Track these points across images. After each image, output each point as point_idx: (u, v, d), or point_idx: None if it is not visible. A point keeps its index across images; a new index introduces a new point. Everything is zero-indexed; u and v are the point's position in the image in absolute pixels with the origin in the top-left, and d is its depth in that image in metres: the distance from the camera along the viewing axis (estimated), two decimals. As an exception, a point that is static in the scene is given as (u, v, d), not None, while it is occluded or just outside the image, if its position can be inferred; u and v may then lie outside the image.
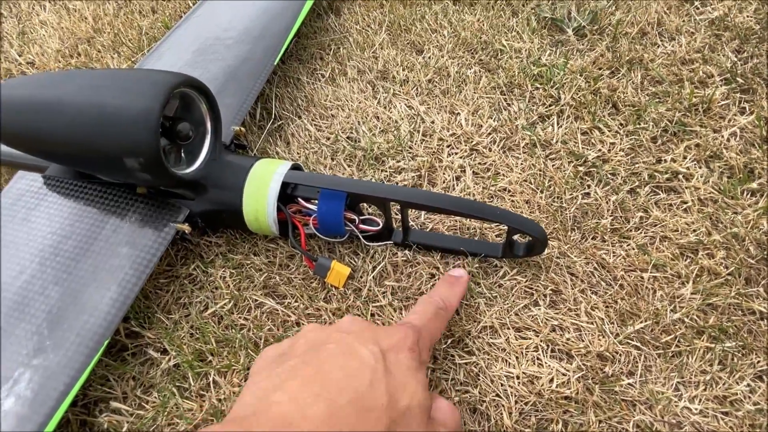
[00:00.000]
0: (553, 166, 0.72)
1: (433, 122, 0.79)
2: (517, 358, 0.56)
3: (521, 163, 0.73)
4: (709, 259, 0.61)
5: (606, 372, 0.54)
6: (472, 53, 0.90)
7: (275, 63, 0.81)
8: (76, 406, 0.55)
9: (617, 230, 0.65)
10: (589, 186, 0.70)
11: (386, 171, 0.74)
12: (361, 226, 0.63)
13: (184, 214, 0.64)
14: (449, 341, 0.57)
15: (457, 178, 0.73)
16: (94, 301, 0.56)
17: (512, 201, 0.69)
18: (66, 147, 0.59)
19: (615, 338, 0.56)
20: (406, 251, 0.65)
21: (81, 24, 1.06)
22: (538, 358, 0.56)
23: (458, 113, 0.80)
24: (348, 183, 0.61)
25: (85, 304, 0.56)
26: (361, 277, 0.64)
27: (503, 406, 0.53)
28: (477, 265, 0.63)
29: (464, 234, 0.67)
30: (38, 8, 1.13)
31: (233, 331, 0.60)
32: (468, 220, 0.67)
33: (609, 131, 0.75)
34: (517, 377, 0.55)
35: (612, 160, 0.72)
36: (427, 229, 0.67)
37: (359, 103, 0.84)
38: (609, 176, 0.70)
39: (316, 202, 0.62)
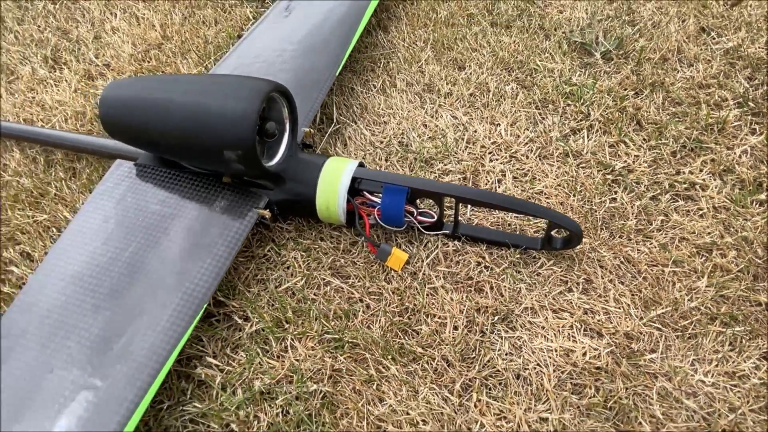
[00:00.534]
0: (583, 173, 0.82)
1: (475, 131, 0.89)
2: (554, 334, 0.65)
3: (555, 170, 0.83)
4: (722, 258, 0.70)
5: (632, 348, 0.63)
6: (509, 71, 1.00)
7: (336, 74, 0.91)
8: (178, 363, 0.64)
9: (641, 231, 0.74)
10: (615, 192, 0.79)
11: (435, 173, 0.84)
12: (419, 217, 0.73)
13: (264, 201, 0.73)
14: (496, 318, 0.66)
15: (499, 181, 0.82)
16: (193, 271, 0.66)
17: (548, 203, 0.79)
18: (172, 140, 0.69)
19: (639, 321, 0.65)
20: (456, 242, 0.74)
21: (150, 31, 1.17)
22: (572, 335, 0.65)
23: (498, 124, 0.90)
24: (409, 179, 0.71)
25: (186, 273, 0.66)
26: (417, 262, 0.73)
27: (543, 373, 0.62)
28: (518, 255, 0.72)
29: (505, 229, 0.76)
30: (110, 16, 1.23)
31: (306, 304, 0.70)
32: (509, 216, 0.76)
33: (633, 145, 0.85)
34: (555, 350, 0.64)
35: (636, 170, 0.81)
36: (473, 224, 0.76)
37: (408, 112, 0.94)
38: (634, 184, 0.80)
39: (380, 195, 0.71)
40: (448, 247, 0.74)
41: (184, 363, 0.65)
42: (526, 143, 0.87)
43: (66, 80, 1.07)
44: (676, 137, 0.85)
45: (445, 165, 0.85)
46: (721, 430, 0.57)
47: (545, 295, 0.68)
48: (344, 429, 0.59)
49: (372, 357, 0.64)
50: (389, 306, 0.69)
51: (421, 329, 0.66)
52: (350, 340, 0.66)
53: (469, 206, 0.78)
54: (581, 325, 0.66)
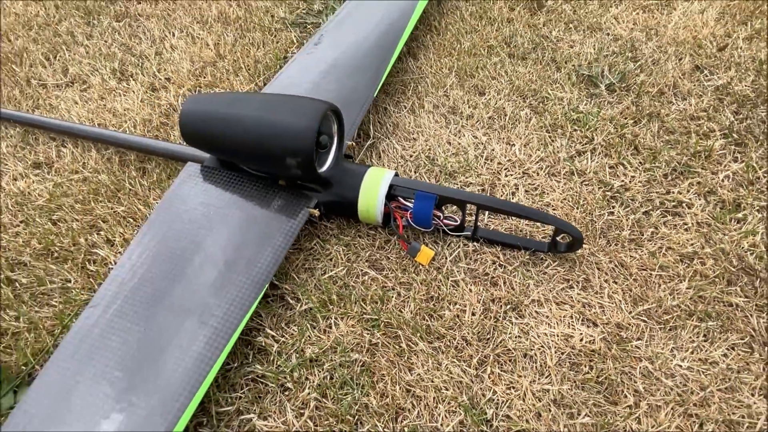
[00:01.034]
0: (586, 190, 0.95)
1: (493, 150, 1.03)
2: (557, 322, 0.77)
3: (562, 186, 0.96)
4: (701, 265, 0.83)
5: (621, 336, 0.76)
6: (524, 98, 1.13)
7: (374, 95, 1.05)
8: (243, 334, 0.77)
9: (634, 240, 0.87)
10: (613, 207, 0.92)
11: (458, 184, 0.97)
12: (444, 221, 0.86)
13: (314, 202, 0.87)
14: (508, 307, 0.79)
15: (512, 194, 0.96)
16: (259, 258, 0.79)
17: (555, 214, 0.92)
18: (244, 148, 0.82)
19: (629, 314, 0.78)
20: (475, 243, 0.87)
21: (206, 50, 1.32)
22: (572, 324, 0.77)
23: (513, 144, 1.03)
24: (438, 188, 0.84)
25: (253, 259, 0.79)
26: (441, 259, 0.86)
27: (546, 353, 0.74)
28: (528, 256, 0.85)
29: (517, 234, 0.89)
30: (168, 34, 1.38)
31: (347, 290, 0.83)
32: (520, 223, 0.89)
33: (630, 167, 0.98)
34: (557, 335, 0.76)
35: (632, 189, 0.94)
36: (490, 228, 0.89)
37: (435, 130, 1.07)
38: (629, 201, 0.92)
39: (412, 201, 0.84)
40: (468, 247, 0.87)
41: (247, 333, 0.78)
42: (537, 162, 1.00)
43: (133, 91, 1.22)
44: (668, 161, 0.98)
45: (466, 178, 0.98)
46: (691, 404, 0.69)
47: (550, 290, 0.81)
48: (380, 390, 0.72)
49: (403, 334, 0.77)
50: (418, 294, 0.81)
51: (445, 314, 0.79)
52: (385, 320, 0.78)
53: (486, 213, 0.91)
54: (579, 316, 0.78)
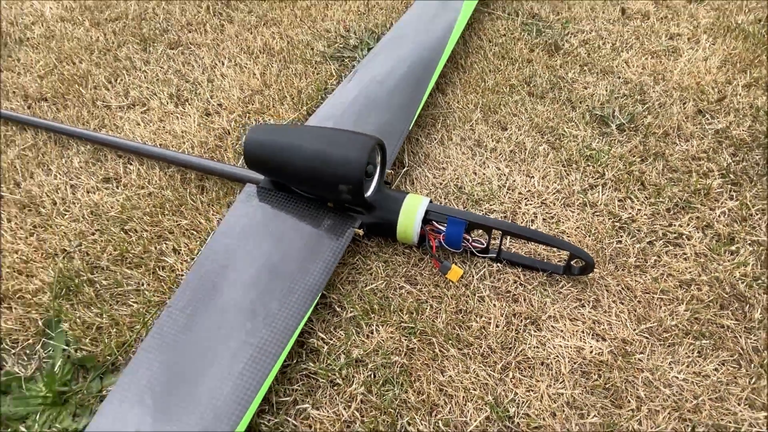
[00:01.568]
0: (597, 220, 1.07)
1: (514, 181, 1.15)
2: (570, 336, 0.89)
3: (575, 216, 1.08)
4: (698, 291, 0.94)
5: (626, 350, 0.87)
6: (542, 134, 1.26)
7: (410, 128, 1.18)
8: (299, 336, 0.89)
9: (639, 266, 0.99)
10: (621, 236, 1.04)
11: (483, 211, 1.10)
12: (472, 243, 0.98)
13: (359, 222, 0.99)
14: (527, 321, 0.91)
15: (531, 221, 1.08)
16: (309, 270, 0.91)
17: (569, 240, 1.04)
18: (301, 174, 0.95)
19: (633, 331, 0.89)
20: (498, 264, 0.99)
21: (253, 79, 1.46)
22: (583, 338, 0.89)
23: (532, 176, 1.16)
24: (468, 214, 0.96)
25: (304, 270, 0.91)
26: (469, 277, 0.98)
27: (561, 362, 0.86)
28: (545, 277, 0.97)
29: (536, 257, 1.01)
30: (218, 63, 1.53)
31: (387, 301, 0.95)
32: (539, 248, 1.01)
33: (637, 201, 1.10)
34: (570, 347, 0.88)
35: (638, 220, 1.06)
36: (512, 251, 1.01)
37: (462, 161, 1.20)
38: (635, 231, 1.04)
39: (445, 225, 0.97)
40: (493, 267, 0.99)
41: (300, 335, 0.90)
42: (554, 193, 1.12)
43: (189, 115, 1.35)
44: (671, 197, 1.10)
45: (490, 205, 1.10)
46: (686, 409, 0.80)
47: (564, 308, 0.93)
48: (417, 388, 0.83)
49: (436, 341, 0.89)
50: (448, 307, 0.93)
51: (472, 325, 0.91)
52: (420, 329, 0.90)
53: (509, 238, 1.03)
54: (590, 331, 0.90)
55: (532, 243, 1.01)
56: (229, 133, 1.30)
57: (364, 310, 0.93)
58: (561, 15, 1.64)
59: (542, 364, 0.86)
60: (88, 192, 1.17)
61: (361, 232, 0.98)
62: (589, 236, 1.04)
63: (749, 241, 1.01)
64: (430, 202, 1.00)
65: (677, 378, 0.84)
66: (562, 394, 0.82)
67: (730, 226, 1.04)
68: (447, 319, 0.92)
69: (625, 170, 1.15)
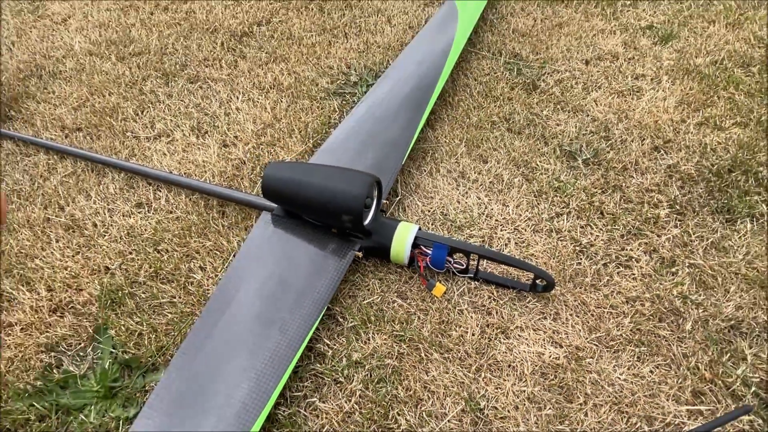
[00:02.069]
0: (561, 244, 1.26)
1: (492, 209, 1.34)
2: (533, 343, 1.07)
3: (543, 241, 1.26)
4: (641, 306, 1.13)
5: (579, 355, 1.05)
6: (518, 167, 1.45)
7: (403, 162, 1.37)
8: (310, 341, 1.07)
9: (594, 285, 1.17)
10: (581, 259, 1.22)
11: (464, 236, 1.28)
12: (454, 265, 1.16)
13: (358, 246, 1.18)
14: (498, 330, 1.09)
15: (505, 245, 1.26)
16: (317, 286, 1.09)
17: (536, 262, 1.22)
18: (311, 205, 1.13)
19: (585, 339, 1.08)
20: (476, 282, 1.17)
21: (264, 113, 1.64)
22: (544, 345, 1.07)
23: (508, 205, 1.35)
24: (450, 240, 1.15)
25: (313, 286, 1.09)
26: (450, 293, 1.16)
27: (524, 365, 1.04)
28: (515, 294, 1.15)
29: (508, 276, 1.19)
30: (234, 98, 1.71)
31: (381, 313, 1.13)
32: (510, 269, 1.20)
33: (596, 228, 1.29)
34: (533, 352, 1.06)
35: (596, 245, 1.25)
36: (487, 271, 1.20)
37: (447, 191, 1.39)
38: (593, 254, 1.23)
39: (431, 248, 1.15)
40: (471, 285, 1.17)
41: (310, 341, 1.08)
42: (525, 221, 1.31)
43: (209, 146, 1.54)
44: (624, 225, 1.29)
45: (470, 231, 1.29)
46: (624, 404, 0.99)
47: (529, 320, 1.11)
48: (405, 386, 1.02)
49: (422, 347, 1.07)
50: (433, 318, 1.12)
51: (452, 334, 1.09)
52: (409, 336, 1.08)
53: (485, 261, 1.21)
54: (549, 339, 1.08)
55: (504, 265, 1.19)
56: (244, 163, 1.48)
57: (362, 320, 1.12)
58: (539, 55, 1.84)
59: (509, 366, 1.05)
60: (123, 216, 1.35)
61: (360, 254, 1.17)
62: (554, 259, 1.22)
63: (687, 264, 1.20)
64: (419, 229, 1.18)
65: (619, 378, 1.02)
66: (524, 391, 1.01)
67: (673, 251, 1.23)
68: (432, 329, 1.10)
69: (587, 201, 1.34)
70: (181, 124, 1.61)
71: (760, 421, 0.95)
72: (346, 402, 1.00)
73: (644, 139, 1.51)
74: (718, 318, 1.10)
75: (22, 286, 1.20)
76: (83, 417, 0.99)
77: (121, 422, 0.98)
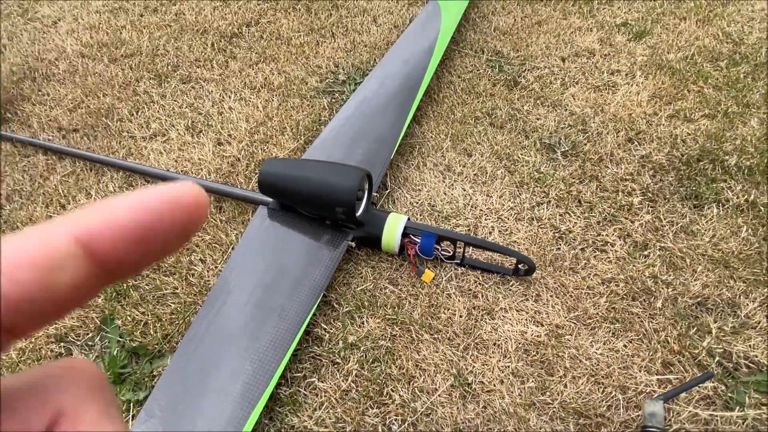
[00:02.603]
0: (541, 231, 1.34)
1: (476, 200, 1.41)
2: (516, 323, 1.15)
3: (524, 229, 1.34)
4: (616, 286, 1.22)
5: (558, 333, 1.14)
6: (500, 160, 1.53)
7: (391, 157, 1.44)
8: (308, 326, 1.13)
9: (572, 269, 1.26)
10: (560, 245, 1.31)
11: (451, 225, 1.36)
12: (441, 252, 1.24)
13: (351, 236, 1.24)
14: (484, 312, 1.17)
15: (489, 233, 1.34)
16: (313, 275, 1.16)
17: (518, 248, 1.30)
18: (305, 199, 1.20)
19: (564, 318, 1.16)
20: (462, 268, 1.25)
21: (256, 112, 1.70)
22: (526, 324, 1.15)
23: (491, 196, 1.42)
24: (437, 229, 1.22)
25: (309, 275, 1.16)
26: (439, 279, 1.24)
27: (509, 343, 1.12)
28: (499, 278, 1.23)
29: (493, 261, 1.27)
30: (226, 98, 1.77)
31: (374, 298, 1.20)
32: (495, 255, 1.27)
33: (574, 215, 1.37)
34: (516, 331, 1.14)
35: (574, 231, 1.33)
36: (473, 257, 1.28)
37: (434, 184, 1.46)
38: (571, 240, 1.31)
39: (420, 237, 1.23)
40: (458, 271, 1.25)
41: (308, 326, 1.15)
42: (508, 210, 1.39)
43: (204, 144, 1.59)
44: (600, 212, 1.37)
45: (456, 220, 1.36)
46: (600, 375, 1.07)
47: (513, 302, 1.19)
48: (399, 365, 1.09)
49: (413, 329, 1.14)
50: (423, 302, 1.19)
51: (441, 316, 1.17)
52: (401, 319, 1.16)
53: (471, 248, 1.29)
54: (531, 319, 1.16)
55: (488, 251, 1.27)
56: (239, 160, 1.54)
57: (356, 305, 1.19)
58: (520, 53, 1.92)
59: (494, 344, 1.12)
60: (123, 213, 1.40)
61: (353, 244, 1.24)
62: (535, 245, 1.30)
63: (659, 247, 1.29)
64: (408, 219, 1.26)
65: (595, 353, 1.11)
66: (509, 366, 1.09)
67: (645, 235, 1.32)
68: (422, 312, 1.17)
69: (566, 190, 1.43)
70: (176, 124, 1.67)
71: (723, 388, 1.05)
72: (343, 381, 1.07)
73: (619, 131, 1.60)
74: (686, 296, 1.19)
75: (29, 281, 1.24)
76: (95, 401, 1.04)
77: (132, 404, 1.04)
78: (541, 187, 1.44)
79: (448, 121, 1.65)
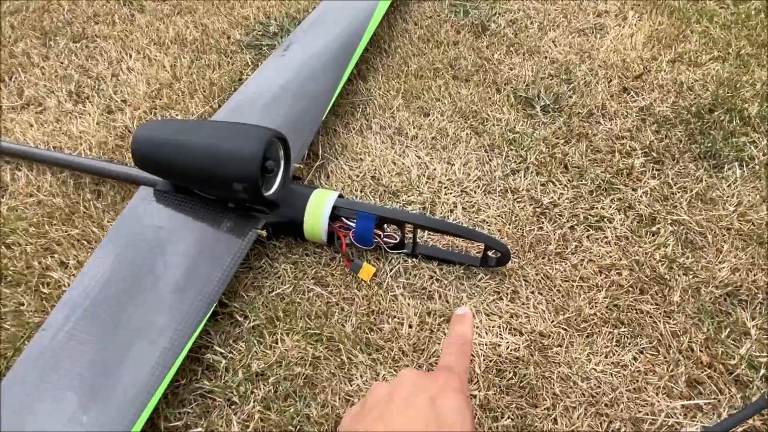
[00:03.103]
0: (518, 206, 1.02)
1: (435, 169, 1.09)
2: (486, 332, 0.84)
3: (496, 203, 1.03)
4: (618, 276, 0.91)
5: (543, 344, 0.83)
6: (465, 119, 1.21)
7: (322, 119, 1.11)
8: (192, 351, 0.81)
9: (559, 254, 0.95)
10: (542, 222, 1.00)
11: (400, 203, 1.04)
12: (385, 239, 0.92)
13: (262, 223, 0.92)
14: (442, 319, 0.85)
15: (451, 211, 1.02)
16: (207, 278, 0.83)
17: (489, 230, 0.99)
18: (192, 174, 0.87)
19: (551, 323, 0.85)
20: (414, 259, 0.93)
21: (162, 72, 1.35)
22: (500, 333, 0.84)
23: (453, 164, 1.10)
24: (378, 209, 0.90)
25: (202, 279, 0.83)
26: (382, 275, 0.92)
27: (476, 361, 0.81)
28: (462, 271, 0.92)
29: (454, 249, 0.95)
30: (125, 56, 1.41)
31: (293, 306, 0.88)
32: (457, 239, 0.96)
33: (560, 184, 1.06)
34: (486, 344, 0.83)
35: (560, 205, 1.02)
36: (429, 245, 0.96)
37: (381, 151, 1.14)
38: (557, 216, 1.00)
39: (355, 220, 0.90)
40: (408, 263, 0.93)
41: (196, 350, 0.83)
42: (475, 180, 1.07)
43: (89, 113, 1.25)
44: (593, 179, 1.06)
45: (408, 197, 1.04)
46: (602, 404, 0.77)
47: (481, 302, 0.88)
48: (321, 401, 0.77)
49: (344, 348, 0.82)
50: (359, 309, 0.87)
51: (384, 327, 0.85)
52: (327, 335, 0.84)
53: (425, 232, 0.97)
54: (506, 326, 0.85)
55: (448, 236, 0.95)
56: (131, 131, 1.20)
57: (268, 318, 0.86)
58: (489, -6, 1.59)
59: (456, 364, 0.81)
60: (-32, 204, 1.06)
61: (263, 233, 0.91)
62: (510, 224, 0.99)
63: (670, 221, 0.99)
64: (340, 196, 0.93)
65: (595, 370, 0.80)
66: (476, 396, 0.78)
67: (651, 206, 1.01)
68: (357, 323, 0.85)
69: (548, 153, 1.11)
70: (57, 90, 1.31)
71: (773, 413, 0.75)
72: (241, 430, 0.75)
73: (611, 80, 1.29)
74: (711, 284, 0.89)
75: None
76: None
77: None
78: (516, 150, 1.12)
79: (400, 75, 1.32)
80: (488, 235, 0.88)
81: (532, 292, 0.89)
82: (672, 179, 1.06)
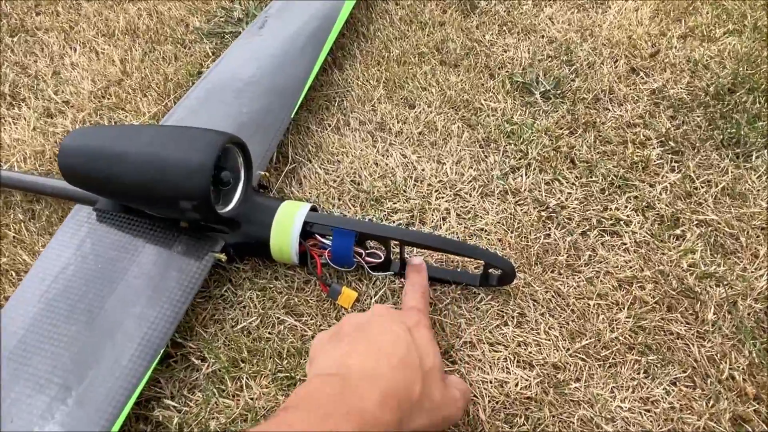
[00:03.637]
0: (521, 210, 0.89)
1: (423, 170, 0.95)
2: (490, 366, 0.71)
3: (495, 208, 0.89)
4: (641, 290, 0.78)
5: (558, 378, 0.70)
6: (456, 110, 1.06)
7: (292, 116, 0.96)
8: (136, 405, 0.67)
9: (571, 265, 0.81)
10: (549, 228, 0.86)
11: (385, 211, 0.90)
12: (367, 258, 0.78)
13: (221, 245, 0.77)
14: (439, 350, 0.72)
15: (443, 219, 0.88)
16: (151, 317, 0.69)
17: (488, 239, 0.85)
18: (130, 189, 0.72)
19: (566, 352, 0.72)
20: (403, 279, 0.79)
21: (110, 67, 1.19)
22: (506, 367, 0.71)
23: (444, 163, 0.96)
24: (357, 224, 0.76)
25: (143, 319, 0.69)
26: (366, 300, 0.78)
27: (479, 404, 0.68)
28: (459, 291, 0.78)
29: (449, 266, 0.82)
30: (69, 50, 1.25)
31: (261, 343, 0.74)
32: (454, 256, 0.82)
33: (567, 182, 0.92)
34: (490, 382, 0.70)
35: (568, 207, 0.88)
36: (419, 261, 0.82)
37: (361, 150, 0.99)
38: (565, 221, 0.87)
39: (331, 238, 0.76)
40: (395, 284, 0.79)
41: (143, 405, 0.68)
42: (470, 181, 0.93)
43: (24, 118, 1.09)
44: (604, 175, 0.93)
45: (394, 203, 0.90)
46: (633, 451, 0.64)
47: (483, 329, 0.74)
48: (295, 464, 0.64)
49: (322, 393, 0.69)
50: (339, 343, 0.73)
51: (369, 365, 0.71)
52: (302, 378, 0.70)
53: (414, 249, 0.83)
54: (514, 357, 0.72)
55: (440, 252, 0.81)
56: (73, 137, 1.04)
57: (230, 359, 0.72)
58: (476, -31, 1.43)
59: (456, 408, 0.68)
60: None
61: (223, 257, 0.77)
62: (512, 232, 0.85)
63: (695, 222, 0.86)
64: (313, 209, 0.79)
65: (621, 409, 0.67)
66: (481, 448, 0.64)
67: (673, 205, 0.88)
68: (337, 361, 0.72)
69: (552, 146, 0.97)
70: (-11, 92, 1.15)
71: (837, 455, 0.63)
72: (198, 505, 0.61)
73: (617, 59, 1.15)
74: (749, 297, 0.76)
75: None
76: None
77: None
78: (515, 145, 0.98)
79: (381, 62, 1.17)
80: (488, 251, 0.75)
81: (542, 314, 0.76)
82: (694, 172, 0.93)
